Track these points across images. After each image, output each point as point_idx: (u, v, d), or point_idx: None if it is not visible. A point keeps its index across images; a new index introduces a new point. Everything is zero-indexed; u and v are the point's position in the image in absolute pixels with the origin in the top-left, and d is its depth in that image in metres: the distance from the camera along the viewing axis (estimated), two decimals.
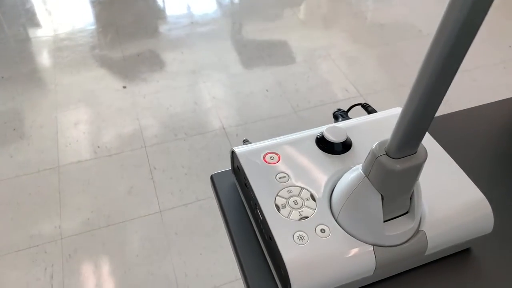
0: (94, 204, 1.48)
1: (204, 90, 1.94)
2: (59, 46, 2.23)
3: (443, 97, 0.31)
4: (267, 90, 1.93)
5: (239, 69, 2.07)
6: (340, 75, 2.01)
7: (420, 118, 0.32)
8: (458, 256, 0.46)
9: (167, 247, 1.35)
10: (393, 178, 0.36)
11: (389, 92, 1.91)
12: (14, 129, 1.76)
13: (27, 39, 2.31)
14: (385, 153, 0.36)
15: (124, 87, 1.96)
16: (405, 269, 0.44)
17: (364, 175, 0.38)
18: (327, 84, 1.97)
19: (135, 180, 1.56)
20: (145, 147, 1.67)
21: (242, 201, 0.50)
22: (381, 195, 0.38)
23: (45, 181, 1.54)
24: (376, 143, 0.37)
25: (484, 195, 0.44)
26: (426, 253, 0.42)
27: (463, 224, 0.43)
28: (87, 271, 1.30)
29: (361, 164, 0.42)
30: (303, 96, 1.89)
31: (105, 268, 1.31)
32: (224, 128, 1.74)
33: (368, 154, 0.38)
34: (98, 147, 1.67)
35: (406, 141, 0.34)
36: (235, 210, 0.50)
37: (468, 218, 0.43)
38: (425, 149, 0.37)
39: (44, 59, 2.17)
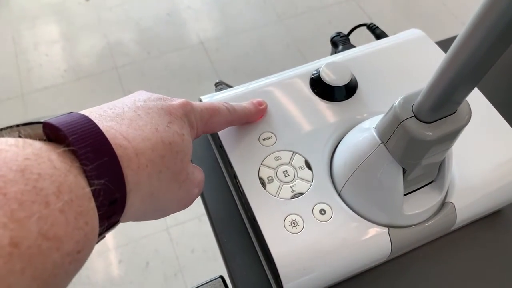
0: None
1: None
2: None
3: None
4: None
5: None
6: None
7: (484, 60, 0.20)
8: (486, 219, 0.37)
9: None
10: (422, 149, 0.26)
11: None
12: None
13: None
14: (413, 114, 0.25)
15: None
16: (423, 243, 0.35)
17: (380, 142, 0.28)
18: None
19: None
20: (116, 68, 1.51)
21: (218, 160, 0.40)
22: (403, 168, 0.28)
23: (10, 112, 1.41)
24: (399, 100, 0.25)
25: None
26: (453, 228, 0.33)
27: (502, 187, 0.33)
28: None
29: (372, 119, 0.31)
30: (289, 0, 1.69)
31: None
32: (202, 43, 1.56)
33: (387, 114, 0.26)
34: (65, 70, 1.51)
35: (449, 98, 0.23)
36: (210, 172, 0.39)
37: (508, 179, 0.33)
38: (468, 104, 0.26)
39: None
